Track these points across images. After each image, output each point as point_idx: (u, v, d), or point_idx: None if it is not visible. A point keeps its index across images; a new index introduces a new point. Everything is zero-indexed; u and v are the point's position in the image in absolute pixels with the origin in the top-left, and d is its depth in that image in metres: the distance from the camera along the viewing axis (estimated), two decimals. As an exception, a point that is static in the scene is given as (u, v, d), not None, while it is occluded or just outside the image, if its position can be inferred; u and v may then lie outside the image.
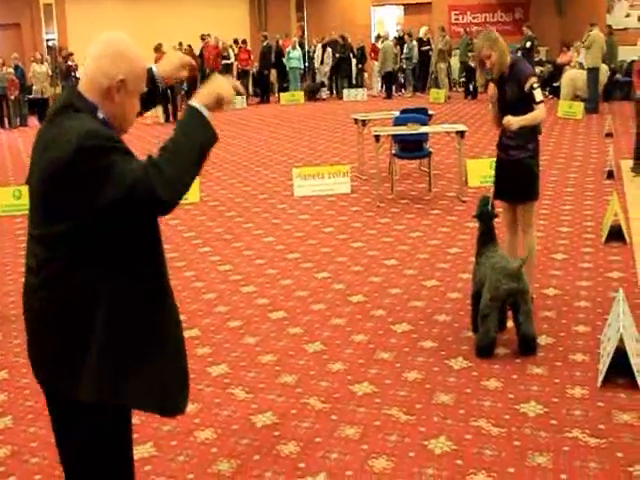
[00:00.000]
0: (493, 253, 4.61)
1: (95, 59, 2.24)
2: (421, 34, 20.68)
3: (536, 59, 18.02)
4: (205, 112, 2.17)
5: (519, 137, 4.93)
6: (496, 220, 4.83)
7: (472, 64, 18.71)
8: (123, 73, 2.21)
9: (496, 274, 4.39)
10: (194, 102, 2.18)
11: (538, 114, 4.89)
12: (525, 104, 4.85)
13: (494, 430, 3.61)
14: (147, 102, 2.51)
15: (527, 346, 4.40)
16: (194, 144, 2.14)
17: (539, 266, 5.97)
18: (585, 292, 5.38)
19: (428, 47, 20.57)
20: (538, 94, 4.86)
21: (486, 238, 4.74)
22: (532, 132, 4.99)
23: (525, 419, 3.70)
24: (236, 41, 21.49)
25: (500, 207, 5.16)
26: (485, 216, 4.79)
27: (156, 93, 2.62)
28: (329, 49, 21.42)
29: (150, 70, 2.55)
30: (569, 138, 12.36)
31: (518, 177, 4.99)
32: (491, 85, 5.03)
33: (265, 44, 21.30)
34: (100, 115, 2.23)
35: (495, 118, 5.12)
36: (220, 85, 2.22)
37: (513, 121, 4.79)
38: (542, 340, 4.59)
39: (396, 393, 4.05)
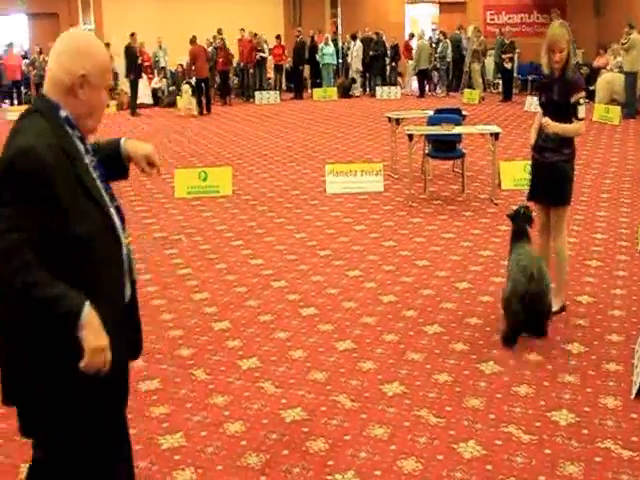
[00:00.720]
0: (521, 250, 4.71)
1: (55, 57, 2.23)
2: (470, 33, 20.38)
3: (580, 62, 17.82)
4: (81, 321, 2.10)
5: (555, 140, 4.88)
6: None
7: (507, 66, 18.59)
8: (84, 68, 2.19)
9: (517, 272, 4.56)
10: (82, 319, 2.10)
11: (577, 129, 4.88)
12: (566, 111, 4.81)
13: (525, 437, 3.58)
14: (111, 172, 2.43)
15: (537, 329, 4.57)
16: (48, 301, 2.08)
17: (573, 273, 5.91)
18: (619, 300, 5.32)
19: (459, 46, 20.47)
20: (582, 110, 4.81)
21: (518, 236, 4.83)
22: (569, 137, 4.94)
23: (556, 427, 3.67)
24: (278, 37, 21.52)
25: (534, 210, 5.12)
26: (518, 217, 4.86)
27: (119, 166, 2.50)
28: (359, 43, 21.38)
29: (118, 142, 2.50)
30: (605, 143, 12.20)
31: (551, 180, 4.95)
32: (546, 119, 4.83)
33: (299, 40, 21.32)
34: (63, 114, 2.21)
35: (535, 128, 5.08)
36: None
37: (551, 125, 4.76)
38: (575, 348, 4.55)
39: (426, 395, 4.04)
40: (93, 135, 2.37)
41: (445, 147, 8.92)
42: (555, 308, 4.94)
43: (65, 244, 2.12)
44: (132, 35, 18.62)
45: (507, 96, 18.62)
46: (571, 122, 4.82)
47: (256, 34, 20.80)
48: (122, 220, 2.37)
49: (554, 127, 4.77)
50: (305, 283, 5.90)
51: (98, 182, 2.28)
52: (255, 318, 5.21)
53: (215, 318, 5.22)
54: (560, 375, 4.21)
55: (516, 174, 9.07)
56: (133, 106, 18.43)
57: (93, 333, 2.11)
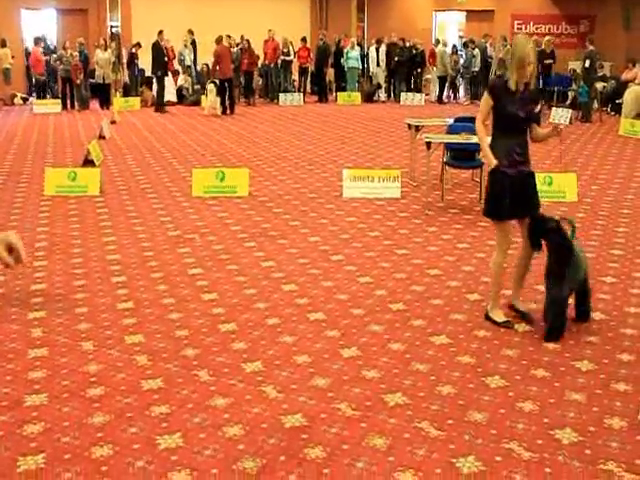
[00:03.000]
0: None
1: None
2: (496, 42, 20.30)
3: (599, 74, 17.64)
4: None
5: (526, 153, 5.08)
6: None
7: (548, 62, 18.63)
8: None
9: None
10: None
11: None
12: (526, 122, 5.02)
13: (525, 454, 3.52)
14: None
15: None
16: None
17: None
18: (632, 319, 5.23)
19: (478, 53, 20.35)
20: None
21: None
22: (528, 146, 5.14)
23: (559, 446, 3.60)
24: (304, 39, 21.52)
25: (499, 229, 5.18)
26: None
27: None
28: (383, 48, 21.33)
29: None
30: (629, 158, 12.05)
31: (533, 190, 5.12)
32: (561, 126, 5.11)
33: (322, 43, 21.33)
34: None
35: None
36: None
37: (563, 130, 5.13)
38: (584, 366, 4.48)
39: (428, 406, 3.99)
40: None
41: (464, 156, 8.85)
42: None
43: None
44: (160, 32, 18.77)
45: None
46: (529, 130, 5.08)
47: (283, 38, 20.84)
48: None
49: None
50: (315, 288, 5.87)
51: None
52: (262, 321, 5.18)
53: (222, 319, 5.20)
54: (567, 393, 4.14)
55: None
56: (160, 102, 18.57)
57: None
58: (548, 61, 18.85)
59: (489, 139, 5.16)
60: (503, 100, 4.96)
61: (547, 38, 19.22)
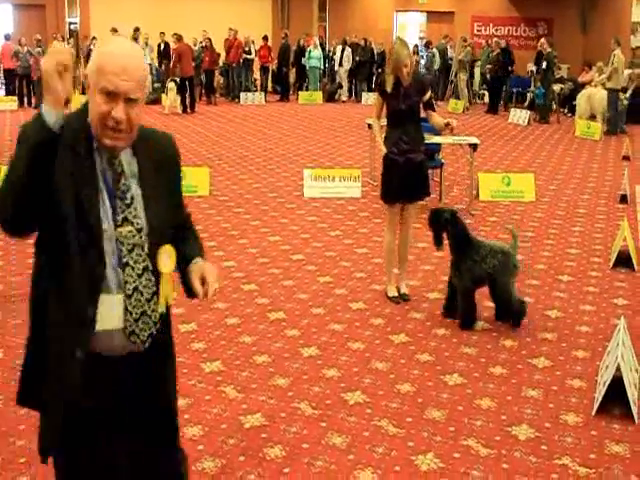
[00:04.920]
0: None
1: None
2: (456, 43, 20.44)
3: (557, 76, 17.92)
4: (43, 109, 1.94)
5: (418, 142, 5.52)
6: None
7: (487, 76, 18.69)
8: (88, 68, 2.09)
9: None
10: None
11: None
12: (416, 112, 5.46)
13: (483, 451, 3.57)
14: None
15: None
16: (22, 152, 1.95)
17: (543, 287, 5.94)
18: (588, 317, 5.33)
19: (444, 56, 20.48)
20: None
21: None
22: (422, 136, 5.61)
23: (516, 442, 3.65)
24: (265, 38, 21.46)
25: (388, 210, 5.63)
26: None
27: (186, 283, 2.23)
28: (348, 50, 21.39)
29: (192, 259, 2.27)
30: (585, 159, 12.27)
31: (421, 177, 5.55)
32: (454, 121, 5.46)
33: (284, 42, 21.31)
34: (89, 119, 2.10)
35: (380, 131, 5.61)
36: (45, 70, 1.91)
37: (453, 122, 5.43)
38: (540, 363, 4.55)
39: (388, 405, 4.01)
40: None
41: (424, 156, 8.90)
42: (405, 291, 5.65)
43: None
44: (136, 30, 18.64)
45: (492, 109, 18.67)
46: (419, 121, 5.52)
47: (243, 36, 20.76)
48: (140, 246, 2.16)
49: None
50: (275, 287, 5.86)
51: (100, 202, 2.10)
52: (222, 321, 5.16)
53: (182, 319, 5.16)
54: (524, 389, 4.21)
55: (494, 185, 9.11)
56: None
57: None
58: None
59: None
60: (387, 97, 5.45)
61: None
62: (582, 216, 8.33)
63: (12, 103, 18.61)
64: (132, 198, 2.13)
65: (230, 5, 22.98)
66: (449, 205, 8.65)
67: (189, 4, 22.50)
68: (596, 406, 3.92)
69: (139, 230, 2.14)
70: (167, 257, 2.16)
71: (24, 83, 19.25)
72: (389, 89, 5.41)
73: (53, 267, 2.12)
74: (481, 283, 5.12)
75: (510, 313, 5.10)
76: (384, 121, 5.72)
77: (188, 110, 17.91)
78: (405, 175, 5.44)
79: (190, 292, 2.23)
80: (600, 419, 3.86)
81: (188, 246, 2.31)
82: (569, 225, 7.93)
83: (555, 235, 7.50)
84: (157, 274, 2.17)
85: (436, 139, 8.62)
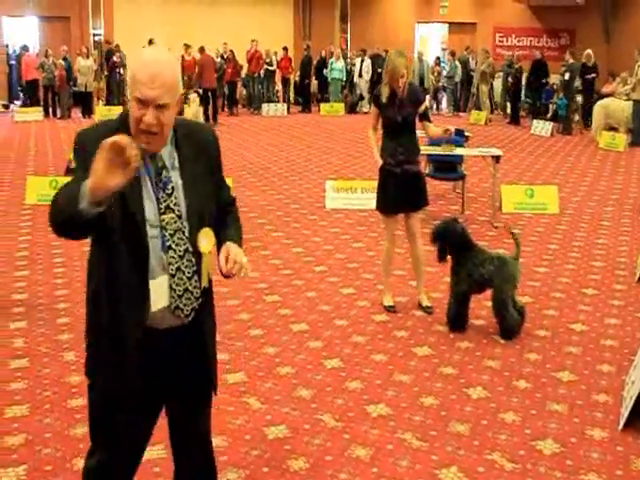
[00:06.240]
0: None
1: None
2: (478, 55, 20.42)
3: (580, 88, 17.81)
4: (84, 187, 2.06)
5: (414, 153, 5.56)
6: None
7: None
8: (128, 77, 2.33)
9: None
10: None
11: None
12: (412, 123, 5.50)
13: (508, 465, 3.54)
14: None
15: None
16: (69, 203, 2.11)
17: (568, 300, 5.90)
18: (613, 330, 5.28)
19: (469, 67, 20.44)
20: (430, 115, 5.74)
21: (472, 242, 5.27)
22: (418, 147, 5.66)
23: (540, 457, 3.63)
24: (285, 49, 21.58)
25: (385, 222, 5.73)
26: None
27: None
28: (368, 61, 21.44)
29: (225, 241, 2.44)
30: (609, 171, 12.19)
31: (417, 188, 5.57)
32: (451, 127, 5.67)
33: (306, 54, 21.42)
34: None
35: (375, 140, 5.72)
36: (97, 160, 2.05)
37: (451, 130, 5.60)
38: (565, 377, 4.51)
39: (411, 417, 4.00)
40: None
41: (446, 168, 8.91)
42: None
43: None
44: (150, 42, 18.85)
45: (514, 119, 18.61)
46: (414, 132, 5.56)
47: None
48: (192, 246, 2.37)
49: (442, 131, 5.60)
50: (298, 299, 5.87)
51: (144, 195, 2.29)
52: (245, 332, 5.18)
53: (205, 330, 5.18)
54: (548, 404, 4.18)
55: (517, 198, 9.07)
56: None
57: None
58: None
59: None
60: (383, 108, 5.49)
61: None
62: (606, 228, 8.27)
63: (37, 114, 18.87)
64: (173, 188, 2.34)
65: (252, 17, 23.12)
66: (472, 217, 8.63)
67: (212, 16, 22.68)
68: (622, 421, 3.88)
69: (179, 217, 2.35)
70: (205, 239, 2.37)
71: (49, 94, 19.51)
72: (385, 100, 5.44)
73: (103, 257, 2.34)
74: (477, 289, 5.19)
75: (500, 324, 5.10)
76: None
77: (211, 121, 18.05)
78: (402, 186, 5.48)
79: (223, 274, 2.40)
80: (626, 434, 3.82)
81: (225, 231, 2.50)
82: (593, 238, 7.87)
83: (579, 248, 7.45)
84: (197, 255, 2.38)
85: (459, 151, 8.63)
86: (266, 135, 16.23)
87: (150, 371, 2.41)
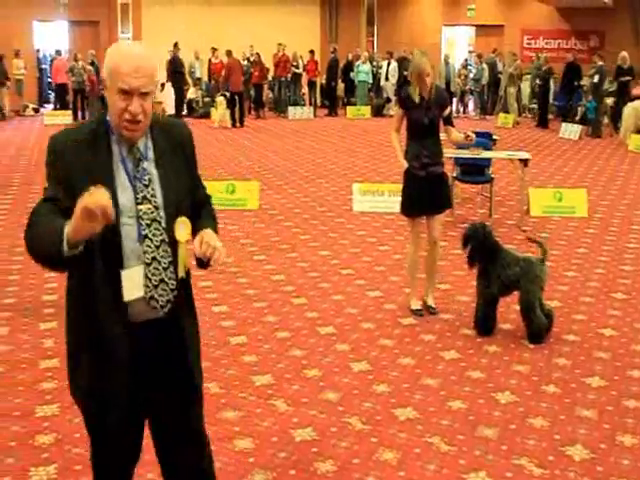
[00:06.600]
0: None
1: None
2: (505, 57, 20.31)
3: (610, 89, 17.61)
4: (64, 236, 2.10)
5: (438, 155, 5.53)
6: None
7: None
8: (104, 72, 2.34)
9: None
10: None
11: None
12: (437, 126, 5.49)
13: (537, 471, 3.51)
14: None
15: None
16: (45, 240, 2.17)
17: (597, 304, 5.84)
18: (643, 336, 5.22)
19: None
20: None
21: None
22: (441, 150, 5.62)
23: (570, 462, 3.59)
24: (311, 52, 21.64)
25: (410, 224, 5.71)
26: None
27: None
28: (394, 63, 21.40)
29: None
30: (639, 174, 12.04)
31: (442, 190, 5.59)
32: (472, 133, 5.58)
33: (332, 57, 21.45)
34: (108, 118, 2.36)
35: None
36: (83, 201, 2.07)
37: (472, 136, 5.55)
38: (594, 382, 4.47)
39: (439, 421, 3.99)
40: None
41: (474, 171, 8.86)
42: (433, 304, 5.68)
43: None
44: (175, 45, 19.07)
45: (542, 123, 18.44)
46: (438, 134, 5.54)
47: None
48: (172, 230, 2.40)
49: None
50: (325, 302, 5.88)
51: (118, 185, 2.33)
52: (272, 334, 5.20)
53: (233, 332, 5.22)
54: (577, 409, 4.14)
55: (545, 201, 9.00)
56: (177, 113, 18.94)
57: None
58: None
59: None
60: (410, 109, 5.47)
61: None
62: (636, 232, 8.17)
63: (67, 117, 19.09)
64: (150, 179, 2.39)
65: (278, 20, 23.18)
66: (500, 221, 8.58)
67: (238, 19, 22.77)
68: (653, 428, 3.84)
69: (156, 207, 2.38)
70: (183, 227, 2.39)
71: (78, 98, 19.75)
72: (417, 99, 5.41)
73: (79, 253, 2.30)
74: (504, 290, 5.17)
75: (527, 327, 5.08)
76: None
77: (237, 124, 18.14)
78: (426, 188, 5.46)
79: (200, 263, 2.44)
80: (658, 441, 3.78)
81: (201, 222, 2.52)
82: (623, 241, 7.78)
83: (608, 252, 7.37)
84: (174, 246, 2.40)
85: (486, 154, 8.58)
86: (293, 138, 16.28)
87: (133, 366, 2.41)
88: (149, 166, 2.40)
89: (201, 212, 2.59)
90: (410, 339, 5.13)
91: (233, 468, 3.52)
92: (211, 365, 4.66)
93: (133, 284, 2.35)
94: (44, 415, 4.02)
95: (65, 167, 2.29)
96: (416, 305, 5.65)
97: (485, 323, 5.19)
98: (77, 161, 2.29)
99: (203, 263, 2.42)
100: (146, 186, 2.38)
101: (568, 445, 3.75)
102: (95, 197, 2.05)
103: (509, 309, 5.64)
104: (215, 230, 2.52)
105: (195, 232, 2.44)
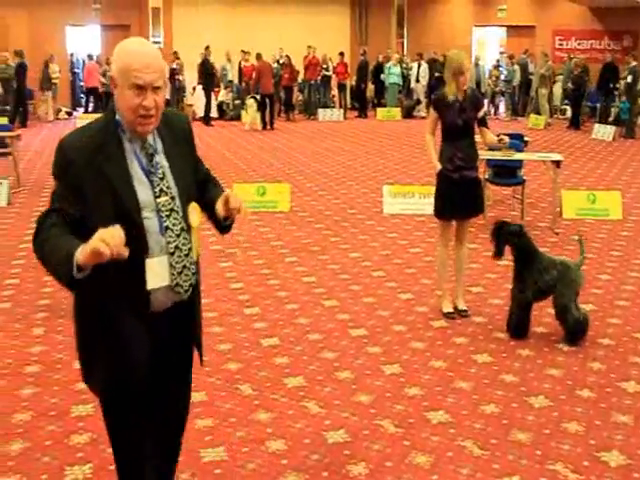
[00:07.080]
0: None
1: None
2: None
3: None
4: (74, 261, 2.14)
5: (473, 159, 5.52)
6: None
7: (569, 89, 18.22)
8: (113, 70, 2.40)
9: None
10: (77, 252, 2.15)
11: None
12: (472, 128, 5.45)
13: (572, 476, 3.47)
14: (215, 223, 2.67)
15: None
16: (55, 262, 2.23)
17: (632, 308, 5.76)
18: (680, 340, 5.13)
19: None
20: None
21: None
22: (476, 153, 5.60)
23: (606, 468, 3.54)
24: (341, 54, 21.65)
25: (440, 226, 5.65)
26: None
27: (215, 218, 2.61)
28: (424, 65, 21.32)
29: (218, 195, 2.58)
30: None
31: (476, 194, 5.57)
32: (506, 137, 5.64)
33: (362, 59, 21.45)
34: (117, 117, 2.43)
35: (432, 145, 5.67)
36: (95, 239, 2.11)
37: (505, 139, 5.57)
38: (630, 387, 4.41)
39: (472, 425, 3.96)
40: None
41: (505, 173, 8.79)
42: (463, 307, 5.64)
43: (84, 229, 2.27)
44: (206, 48, 19.24)
45: (574, 124, 18.24)
46: (473, 137, 5.50)
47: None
48: (186, 226, 2.52)
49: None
50: (356, 304, 5.88)
51: (135, 182, 2.40)
52: (304, 336, 5.21)
53: (264, 334, 5.24)
54: (613, 414, 4.08)
55: (578, 203, 8.90)
56: (207, 115, 19.06)
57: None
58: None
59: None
60: (444, 111, 5.41)
61: (540, 52, 17.66)
62: (670, 235, 8.04)
63: (99, 120, 19.32)
64: (163, 172, 2.48)
65: (308, 22, 23.23)
66: (532, 223, 8.50)
67: (268, 21, 22.86)
68: (691, 434, 3.77)
69: (173, 198, 2.49)
70: (194, 213, 2.52)
71: (109, 101, 19.97)
72: (452, 97, 5.34)
73: None
74: (540, 296, 5.12)
75: (564, 327, 5.05)
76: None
77: (268, 127, 18.21)
78: (459, 192, 5.42)
79: (220, 228, 2.63)
80: (696, 448, 3.71)
81: (211, 193, 2.65)
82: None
83: (617, 258, 7.26)
84: (188, 231, 2.53)
85: (518, 156, 8.50)
86: (323, 140, 16.29)
87: (152, 353, 2.51)
88: (160, 159, 2.48)
89: (208, 186, 2.71)
90: (442, 342, 5.10)
91: (266, 470, 3.54)
92: (243, 367, 4.68)
93: (157, 273, 2.44)
94: (79, 415, 4.07)
95: (76, 175, 2.34)
96: (448, 308, 5.62)
97: (519, 328, 5.14)
98: (89, 167, 2.34)
99: (223, 227, 2.61)
100: (161, 179, 2.46)
101: (604, 451, 3.70)
102: (109, 239, 2.09)
103: (542, 312, 5.58)
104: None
105: (206, 202, 2.59)
